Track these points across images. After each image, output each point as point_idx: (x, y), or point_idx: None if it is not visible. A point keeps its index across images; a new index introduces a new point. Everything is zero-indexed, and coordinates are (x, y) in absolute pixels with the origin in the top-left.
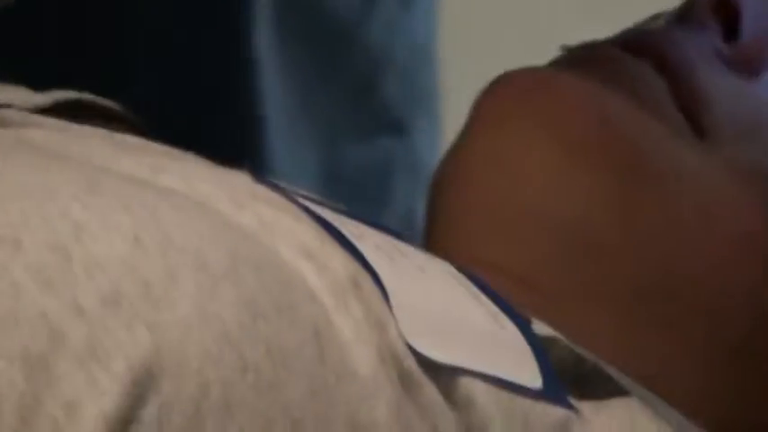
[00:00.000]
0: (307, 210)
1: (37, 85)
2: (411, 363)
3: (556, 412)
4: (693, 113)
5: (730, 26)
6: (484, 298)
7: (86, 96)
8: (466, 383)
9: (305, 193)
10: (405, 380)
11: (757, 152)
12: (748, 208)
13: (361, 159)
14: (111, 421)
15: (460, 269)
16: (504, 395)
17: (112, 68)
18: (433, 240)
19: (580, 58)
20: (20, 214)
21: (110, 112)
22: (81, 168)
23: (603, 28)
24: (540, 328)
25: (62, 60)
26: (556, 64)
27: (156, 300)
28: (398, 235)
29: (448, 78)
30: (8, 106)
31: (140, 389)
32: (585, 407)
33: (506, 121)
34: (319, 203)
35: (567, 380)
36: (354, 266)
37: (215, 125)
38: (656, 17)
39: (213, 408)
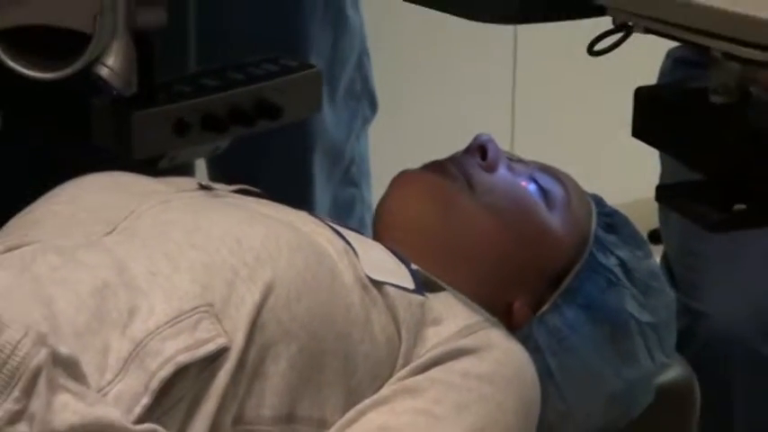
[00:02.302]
0: (329, 225)
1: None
2: (366, 280)
3: (419, 297)
4: (469, 182)
5: (483, 154)
6: (394, 257)
7: (247, 187)
8: (387, 288)
9: (327, 218)
10: (363, 286)
11: (476, 198)
12: (487, 218)
13: (345, 198)
14: (257, 305)
15: (385, 245)
16: (400, 291)
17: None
18: (375, 235)
19: (433, 165)
20: (220, 232)
21: (256, 192)
22: (244, 211)
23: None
24: (413, 266)
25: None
26: (424, 166)
27: (273, 259)
28: (361, 232)
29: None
30: (215, 189)
31: (267, 292)
32: (430, 295)
33: (401, 189)
34: (333, 221)
35: (423, 285)
36: (345, 245)
37: (294, 198)
38: (458, 152)
39: (292, 297)
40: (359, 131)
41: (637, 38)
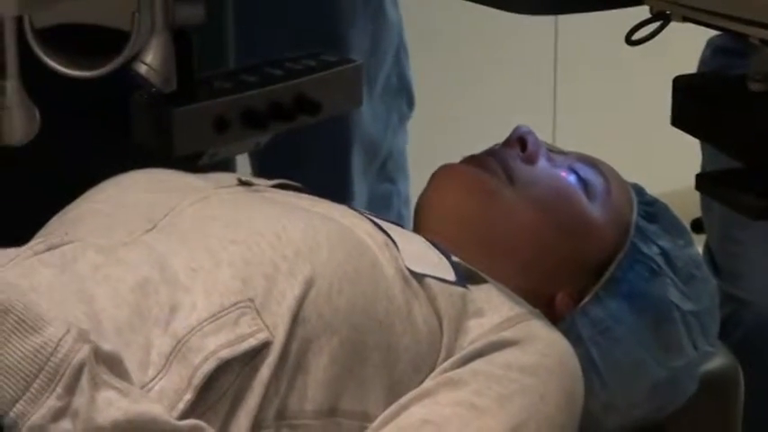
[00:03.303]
0: (369, 219)
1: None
2: (407, 272)
3: (460, 289)
4: (509, 174)
5: (523, 146)
6: (434, 248)
7: (286, 181)
8: (428, 280)
9: (366, 211)
10: (404, 278)
11: (517, 191)
12: (527, 210)
13: (381, 193)
14: (297, 299)
15: (426, 238)
16: (442, 284)
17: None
18: (415, 228)
19: (473, 158)
20: (260, 227)
21: (296, 186)
22: (283, 205)
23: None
24: (454, 258)
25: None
26: (463, 160)
27: (313, 253)
28: (401, 225)
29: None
30: (254, 184)
31: (308, 286)
32: (472, 287)
33: (442, 183)
34: (372, 215)
35: (465, 277)
36: (385, 238)
37: (333, 192)
38: (495, 144)
39: (333, 290)
40: (396, 127)
41: (679, 26)
